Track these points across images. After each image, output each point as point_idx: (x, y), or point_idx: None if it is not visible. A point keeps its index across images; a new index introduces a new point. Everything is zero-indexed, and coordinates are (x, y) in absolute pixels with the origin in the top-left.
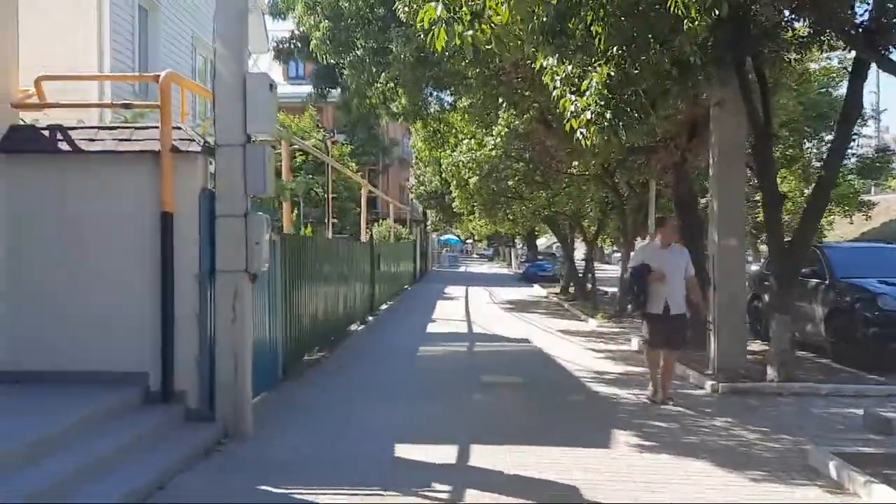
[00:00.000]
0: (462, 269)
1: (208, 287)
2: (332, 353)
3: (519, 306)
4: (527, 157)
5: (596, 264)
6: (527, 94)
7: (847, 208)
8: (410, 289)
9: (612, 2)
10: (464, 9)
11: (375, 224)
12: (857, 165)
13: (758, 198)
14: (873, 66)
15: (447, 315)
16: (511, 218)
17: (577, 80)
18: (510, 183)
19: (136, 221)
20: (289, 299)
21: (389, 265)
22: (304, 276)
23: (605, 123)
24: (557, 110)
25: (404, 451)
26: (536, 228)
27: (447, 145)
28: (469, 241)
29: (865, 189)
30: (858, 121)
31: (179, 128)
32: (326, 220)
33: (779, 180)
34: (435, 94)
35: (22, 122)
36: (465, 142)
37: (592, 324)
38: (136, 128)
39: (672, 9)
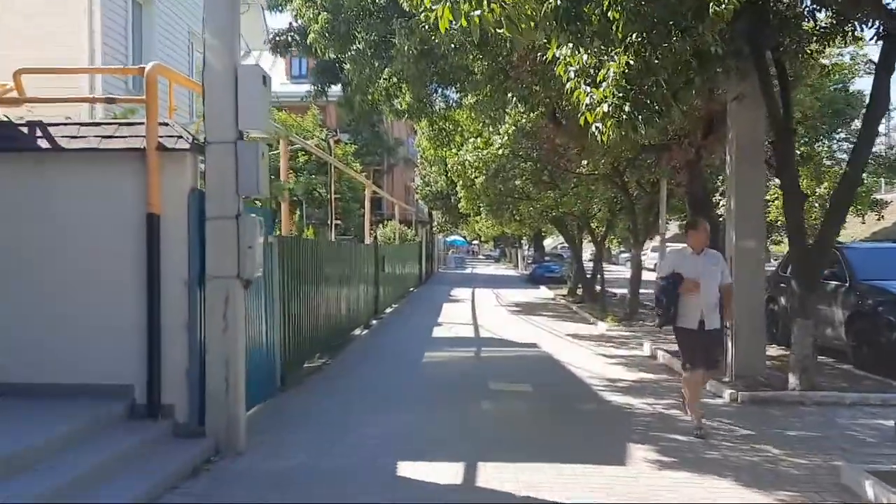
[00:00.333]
0: (468, 270)
1: (198, 293)
2: (335, 359)
3: (526, 309)
4: (535, 156)
5: (603, 265)
6: (536, 88)
7: (860, 207)
8: (416, 291)
9: None
10: None
11: (381, 225)
12: (871, 164)
13: (768, 196)
14: None
15: (453, 318)
16: (518, 219)
17: (592, 70)
18: (517, 183)
19: (121, 224)
20: (287, 304)
21: (394, 267)
22: (304, 281)
23: (624, 117)
24: (569, 106)
25: (408, 469)
26: (543, 229)
27: (453, 144)
28: (475, 242)
29: (876, 188)
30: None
31: (167, 124)
32: (330, 222)
33: None
34: (440, 90)
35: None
36: (471, 140)
37: (602, 327)
38: (121, 124)
39: None
